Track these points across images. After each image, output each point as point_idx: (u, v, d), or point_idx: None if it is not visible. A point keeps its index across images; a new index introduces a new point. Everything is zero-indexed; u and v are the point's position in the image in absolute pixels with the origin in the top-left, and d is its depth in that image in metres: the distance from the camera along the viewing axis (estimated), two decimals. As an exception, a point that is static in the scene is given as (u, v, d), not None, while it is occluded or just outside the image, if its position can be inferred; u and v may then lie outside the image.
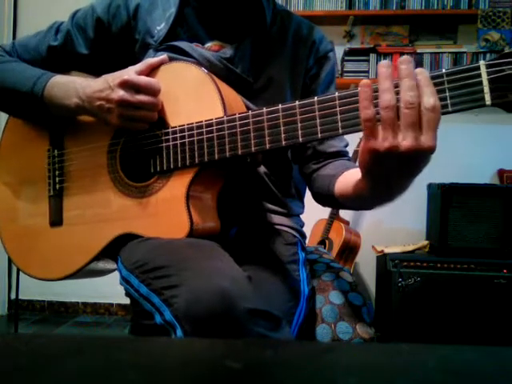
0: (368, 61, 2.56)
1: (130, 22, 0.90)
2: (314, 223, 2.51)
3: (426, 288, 2.04)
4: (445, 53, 2.52)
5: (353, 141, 2.37)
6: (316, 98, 0.67)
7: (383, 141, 0.58)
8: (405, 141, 0.57)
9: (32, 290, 2.69)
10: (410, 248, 2.25)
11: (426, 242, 2.30)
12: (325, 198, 0.87)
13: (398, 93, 0.58)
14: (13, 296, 2.73)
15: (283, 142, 0.70)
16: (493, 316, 1.99)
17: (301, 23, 0.96)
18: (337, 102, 0.65)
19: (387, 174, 0.62)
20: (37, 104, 0.86)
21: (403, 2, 2.53)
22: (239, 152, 0.73)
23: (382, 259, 2.20)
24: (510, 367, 0.31)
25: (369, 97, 0.58)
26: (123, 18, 0.90)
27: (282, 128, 0.70)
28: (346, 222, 2.53)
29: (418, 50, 2.55)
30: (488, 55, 2.50)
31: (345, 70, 2.57)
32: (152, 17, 0.90)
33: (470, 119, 2.49)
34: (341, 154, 0.93)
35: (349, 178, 0.77)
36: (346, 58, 2.57)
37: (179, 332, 0.59)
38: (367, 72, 2.56)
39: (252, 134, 0.72)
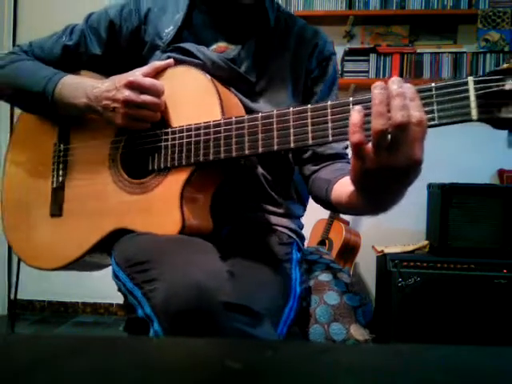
0: (368, 61, 2.56)
1: (141, 26, 0.94)
2: (314, 223, 2.51)
3: (426, 288, 2.03)
4: (445, 53, 2.52)
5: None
6: (309, 105, 0.69)
7: (374, 161, 0.58)
8: (396, 158, 0.57)
9: (32, 289, 2.69)
10: (410, 248, 2.25)
11: (426, 242, 2.30)
12: (322, 202, 0.88)
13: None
14: (13, 296, 2.73)
15: (275, 147, 0.72)
16: (493, 316, 1.99)
17: (305, 26, 0.99)
18: (328, 110, 0.67)
19: (379, 188, 0.63)
20: (47, 103, 0.90)
21: (403, 2, 2.53)
22: (233, 154, 0.76)
23: (382, 259, 2.20)
24: (510, 367, 0.31)
25: (360, 122, 0.58)
26: (134, 22, 0.94)
27: (276, 133, 0.72)
28: (346, 222, 2.53)
29: (418, 50, 2.54)
30: (488, 55, 2.50)
31: (345, 70, 2.57)
32: (161, 20, 0.94)
33: (469, 119, 2.49)
34: (339, 156, 0.94)
35: (343, 187, 0.78)
36: (346, 58, 2.57)
37: (156, 325, 0.60)
38: (367, 72, 2.56)
39: (246, 138, 0.74)
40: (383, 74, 2.54)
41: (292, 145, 0.70)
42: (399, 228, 2.56)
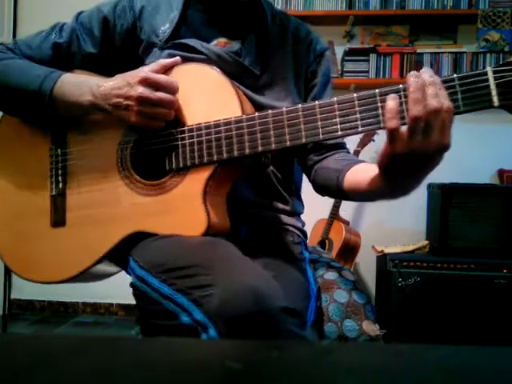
0: (368, 61, 2.55)
1: (136, 23, 0.91)
2: (314, 223, 2.51)
3: (426, 288, 2.03)
4: (445, 53, 2.51)
5: (353, 140, 2.36)
6: (335, 98, 0.72)
7: (406, 146, 0.62)
8: (428, 143, 0.62)
9: (32, 290, 2.69)
10: (410, 248, 2.25)
11: (426, 242, 2.29)
12: (330, 190, 0.89)
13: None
14: (12, 296, 2.73)
15: (303, 140, 0.74)
16: (493, 316, 1.99)
17: (298, 25, 1.01)
18: (356, 102, 0.71)
19: (405, 173, 0.67)
20: (43, 103, 0.84)
21: (403, 2, 2.53)
22: (259, 149, 0.76)
23: (382, 259, 2.20)
24: (510, 367, 0.31)
25: (396, 108, 0.63)
26: (129, 19, 0.91)
27: (303, 126, 0.74)
28: (346, 222, 2.52)
29: (418, 50, 2.54)
30: (488, 55, 2.49)
31: (345, 69, 2.56)
32: (156, 19, 0.92)
33: (469, 119, 2.48)
34: (340, 146, 0.96)
35: (359, 174, 0.81)
36: (346, 58, 2.56)
37: (212, 331, 0.59)
38: (367, 72, 2.56)
39: (272, 132, 0.75)
40: (383, 73, 2.54)
41: (321, 136, 0.73)
42: (399, 228, 2.55)
